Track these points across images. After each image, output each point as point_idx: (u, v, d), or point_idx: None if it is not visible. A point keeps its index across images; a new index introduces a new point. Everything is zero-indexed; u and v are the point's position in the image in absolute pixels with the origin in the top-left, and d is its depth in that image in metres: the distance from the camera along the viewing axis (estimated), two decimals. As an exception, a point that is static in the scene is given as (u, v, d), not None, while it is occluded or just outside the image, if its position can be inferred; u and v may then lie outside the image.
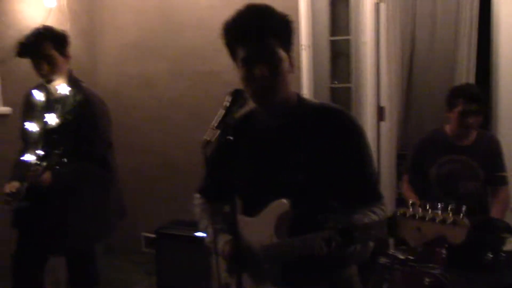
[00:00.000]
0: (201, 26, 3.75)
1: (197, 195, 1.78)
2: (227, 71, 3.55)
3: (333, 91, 4.22)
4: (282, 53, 1.41)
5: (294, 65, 1.47)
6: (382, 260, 2.33)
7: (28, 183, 2.33)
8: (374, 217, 1.39)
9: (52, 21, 3.53)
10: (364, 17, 3.47)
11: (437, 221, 1.17)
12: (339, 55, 4.15)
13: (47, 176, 2.29)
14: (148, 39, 3.98)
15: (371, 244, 1.40)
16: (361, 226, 1.30)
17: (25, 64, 2.48)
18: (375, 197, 1.48)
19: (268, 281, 1.46)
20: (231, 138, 1.25)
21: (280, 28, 1.43)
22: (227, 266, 1.57)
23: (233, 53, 1.44)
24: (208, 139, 1.24)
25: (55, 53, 2.36)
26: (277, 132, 1.49)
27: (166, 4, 3.89)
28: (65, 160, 2.28)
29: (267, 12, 1.41)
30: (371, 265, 2.29)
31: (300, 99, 1.53)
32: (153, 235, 3.78)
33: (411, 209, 1.20)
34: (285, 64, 1.42)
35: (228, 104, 1.31)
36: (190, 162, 3.88)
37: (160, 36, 3.94)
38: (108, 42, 4.18)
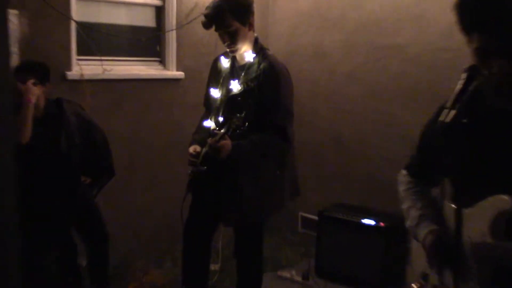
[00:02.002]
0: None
1: (404, 172, 1.77)
2: (411, 45, 3.54)
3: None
4: None
5: None
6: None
7: (208, 148, 2.40)
8: None
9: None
10: None
11: None
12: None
13: (227, 143, 2.33)
14: (324, 8, 4.02)
15: None
16: None
17: (201, 29, 2.58)
18: None
19: (473, 281, 1.43)
20: (465, 121, 1.25)
21: None
22: (428, 257, 1.56)
23: (467, 32, 1.38)
24: (443, 119, 1.25)
25: (235, 24, 2.39)
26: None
27: (345, -28, 3.89)
28: (246, 125, 2.34)
29: None
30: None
31: None
32: (311, 216, 3.99)
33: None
34: None
35: (463, 82, 1.30)
36: (361, 142, 3.91)
37: (337, 5, 3.96)
38: (281, 10, 4.28)
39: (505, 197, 1.36)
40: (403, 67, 3.61)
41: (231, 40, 2.42)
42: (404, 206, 1.69)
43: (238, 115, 2.33)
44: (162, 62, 3.81)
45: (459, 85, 1.30)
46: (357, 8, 3.83)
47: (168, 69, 3.78)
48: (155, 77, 3.70)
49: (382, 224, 3.28)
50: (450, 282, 1.49)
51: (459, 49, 2.89)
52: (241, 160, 2.41)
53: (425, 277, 1.59)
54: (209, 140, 2.34)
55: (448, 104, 1.27)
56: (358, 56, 3.89)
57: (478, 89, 1.40)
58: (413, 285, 1.61)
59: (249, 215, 2.52)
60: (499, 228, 1.38)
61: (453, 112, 1.26)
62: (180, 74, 3.80)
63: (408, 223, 1.65)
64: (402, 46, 3.59)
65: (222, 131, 2.33)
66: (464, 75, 1.31)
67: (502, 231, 1.38)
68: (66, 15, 3.14)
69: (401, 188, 1.74)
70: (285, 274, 3.60)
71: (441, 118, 1.29)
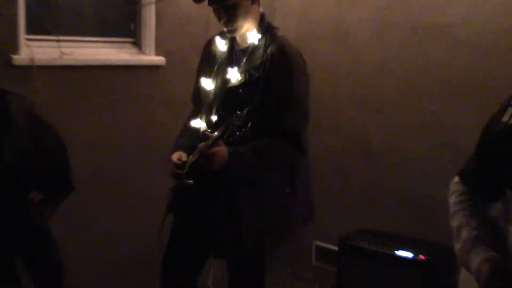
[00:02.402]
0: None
1: (456, 179, 1.73)
2: (461, 25, 3.40)
3: None
4: None
5: None
6: None
7: (196, 156, 2.33)
8: None
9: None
10: None
11: None
12: None
13: (220, 151, 2.26)
14: None
15: None
16: None
17: (187, 2, 2.58)
18: None
19: None
20: None
21: None
22: None
23: None
24: (507, 120, 1.31)
25: None
26: None
27: None
28: (249, 126, 2.28)
29: None
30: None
31: None
32: (329, 246, 3.85)
33: None
34: None
35: None
36: (394, 151, 3.78)
37: None
38: None
39: None
40: (451, 53, 3.49)
41: (229, 16, 2.37)
42: (454, 223, 1.66)
43: (238, 112, 2.25)
44: (137, 44, 3.66)
45: None
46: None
47: (144, 53, 3.63)
48: (128, 63, 3.56)
49: (421, 257, 3.16)
50: None
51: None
52: (240, 172, 2.37)
53: None
54: (199, 146, 2.28)
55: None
56: (391, 38, 3.73)
57: None
58: None
59: (249, 245, 2.45)
60: None
61: None
62: (160, 59, 3.64)
63: (458, 247, 1.62)
64: (450, 26, 3.46)
65: (215, 133, 2.26)
66: None
67: None
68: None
69: (452, 199, 1.72)
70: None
71: (504, 119, 1.38)
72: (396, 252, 3.20)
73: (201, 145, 2.28)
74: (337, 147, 4.01)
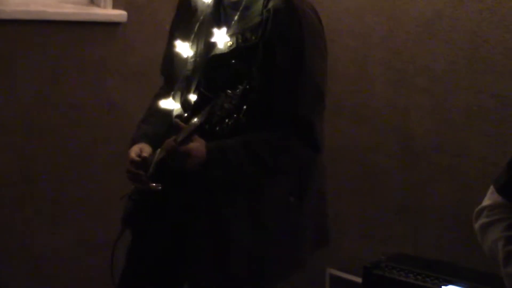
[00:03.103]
0: None
1: (498, 199, 1.66)
2: None
3: None
4: None
5: None
6: None
7: (164, 154, 2.18)
8: None
9: None
10: None
11: None
12: None
13: (198, 146, 2.10)
14: None
15: None
16: None
17: None
18: None
19: None
20: None
21: None
22: None
23: None
24: None
25: None
26: None
27: None
28: (243, 111, 2.09)
29: None
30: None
31: None
32: (347, 275, 3.65)
33: None
34: None
35: None
36: (447, 148, 3.35)
37: None
38: None
39: None
40: None
41: None
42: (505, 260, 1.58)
43: (229, 92, 2.06)
44: None
45: None
46: None
47: (98, 5, 3.37)
48: (74, 19, 3.27)
49: None
50: None
51: None
52: (224, 177, 2.21)
53: None
54: (166, 142, 2.16)
55: None
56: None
57: None
58: None
59: (240, 275, 2.27)
60: None
61: None
62: (119, 14, 3.33)
63: None
64: None
65: (193, 122, 2.09)
66: None
67: None
68: None
69: (502, 232, 1.60)
70: None
71: None
72: (443, 287, 2.92)
73: (169, 140, 2.10)
74: (364, 142, 3.64)
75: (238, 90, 2.07)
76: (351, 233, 3.48)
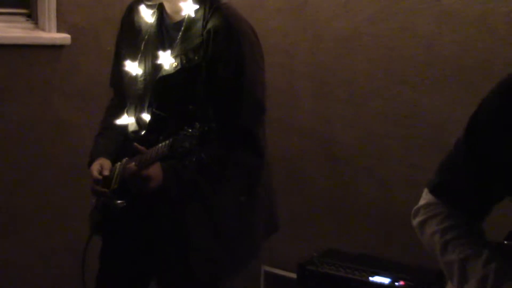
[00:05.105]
0: None
1: (430, 197, 1.70)
2: None
3: None
4: None
5: None
6: None
7: (127, 176, 2.26)
8: None
9: None
10: None
11: None
12: None
13: (155, 172, 2.19)
14: None
15: None
16: None
17: None
18: None
19: None
20: None
21: None
22: None
23: None
24: None
25: None
26: None
27: None
28: (194, 145, 2.15)
29: None
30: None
31: None
32: (282, 272, 3.78)
33: None
34: None
35: None
36: (366, 151, 3.55)
37: None
38: None
39: None
40: (437, 29, 3.30)
41: None
42: (453, 256, 1.59)
43: (190, 130, 2.13)
44: (33, 17, 3.46)
45: None
46: None
47: (43, 29, 3.41)
48: (20, 42, 3.35)
49: (402, 283, 3.09)
50: None
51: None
52: (181, 192, 2.31)
53: None
54: (128, 166, 2.25)
55: None
56: (362, 8, 3.48)
57: None
58: None
59: (200, 273, 2.38)
60: None
61: None
62: (63, 37, 3.41)
63: (455, 283, 1.59)
64: None
65: (155, 150, 2.17)
66: None
67: None
68: None
69: (436, 226, 1.66)
70: None
71: None
72: (370, 278, 3.08)
73: (130, 165, 2.20)
74: (292, 150, 3.80)
75: (196, 131, 2.15)
76: (283, 233, 3.29)
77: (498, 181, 1.56)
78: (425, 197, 1.68)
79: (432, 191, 1.66)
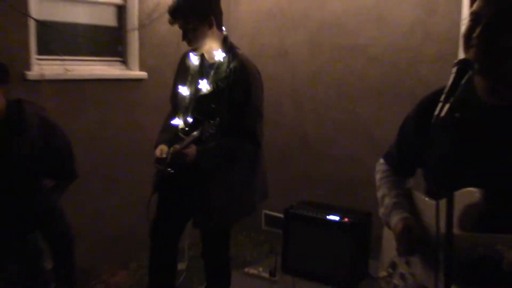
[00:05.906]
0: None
1: (381, 160, 1.88)
2: (373, 45, 3.80)
3: None
4: None
5: None
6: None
7: (172, 154, 2.46)
8: None
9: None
10: None
11: None
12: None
13: (191, 151, 2.41)
14: (286, 9, 4.23)
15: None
16: None
17: (163, 28, 2.81)
18: None
19: (441, 271, 1.47)
20: (458, 115, 1.25)
21: None
22: (397, 245, 1.64)
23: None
24: (438, 113, 1.27)
25: (193, 20, 2.45)
26: (501, 115, 1.48)
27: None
28: (215, 131, 2.39)
29: None
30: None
31: None
32: (275, 214, 4.11)
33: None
34: None
35: (454, 76, 1.32)
36: (326, 141, 4.03)
37: (299, 5, 4.16)
38: (243, 10, 4.49)
39: (474, 190, 1.43)
40: (366, 67, 3.84)
41: (189, 37, 2.48)
42: (379, 193, 1.80)
43: (212, 121, 2.37)
44: (125, 62, 3.93)
45: (451, 79, 1.31)
46: (319, 9, 4.06)
47: (130, 69, 3.92)
48: (117, 77, 3.84)
49: (346, 220, 3.48)
50: (417, 271, 1.61)
51: (419, 49, 3.38)
52: (208, 166, 2.50)
53: (393, 265, 1.73)
54: (174, 147, 2.45)
55: (442, 98, 1.29)
56: (321, 55, 4.06)
57: (470, 84, 1.47)
58: (381, 273, 1.76)
59: (218, 220, 2.61)
60: (467, 221, 1.44)
61: (447, 106, 1.27)
62: (142, 74, 3.92)
63: (382, 211, 1.75)
64: (365, 46, 3.84)
65: (192, 135, 2.38)
66: (454, 69, 1.33)
67: (470, 223, 1.44)
68: (24, 13, 3.22)
69: (378, 176, 1.85)
70: (252, 271, 3.82)
71: (436, 112, 1.28)
72: (327, 217, 3.51)
73: (174, 147, 2.43)
74: (282, 139, 4.24)
75: (216, 121, 2.37)
76: (276, 190, 3.53)
77: (410, 156, 1.74)
78: (381, 160, 1.87)
79: (383, 157, 1.87)
